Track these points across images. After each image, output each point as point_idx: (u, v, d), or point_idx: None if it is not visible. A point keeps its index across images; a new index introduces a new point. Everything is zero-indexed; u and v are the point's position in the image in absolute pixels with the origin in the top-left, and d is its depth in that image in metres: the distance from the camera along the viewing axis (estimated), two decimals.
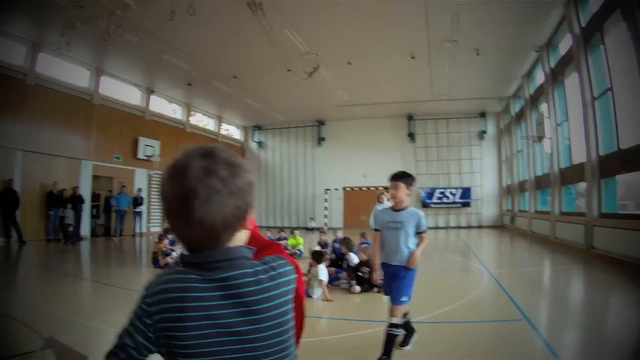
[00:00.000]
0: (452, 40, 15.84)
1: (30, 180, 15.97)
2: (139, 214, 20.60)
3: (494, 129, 27.59)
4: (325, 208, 28.44)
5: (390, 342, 4.21)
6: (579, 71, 12.90)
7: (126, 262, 13.02)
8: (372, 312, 6.75)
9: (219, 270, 1.16)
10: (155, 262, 11.07)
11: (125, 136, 20.41)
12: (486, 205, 27.10)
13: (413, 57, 17.37)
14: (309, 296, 7.38)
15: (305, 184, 29.85)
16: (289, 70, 18.29)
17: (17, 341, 4.85)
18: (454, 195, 27.17)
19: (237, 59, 17.79)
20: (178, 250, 11.75)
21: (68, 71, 17.65)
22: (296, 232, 13.96)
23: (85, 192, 18.12)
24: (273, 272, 1.24)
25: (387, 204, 10.16)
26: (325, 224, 27.61)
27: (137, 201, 20.36)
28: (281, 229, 14.65)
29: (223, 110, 27.73)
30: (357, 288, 7.78)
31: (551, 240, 15.85)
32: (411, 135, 28.18)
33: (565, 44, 15.05)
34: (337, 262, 9.39)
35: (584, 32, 12.61)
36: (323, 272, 7.53)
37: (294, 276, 1.30)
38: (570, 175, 15.03)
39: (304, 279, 7.81)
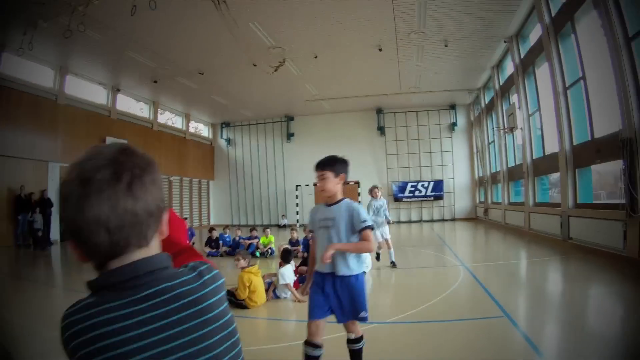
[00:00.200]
0: (420, 32, 15.60)
1: None
2: None
3: (465, 121, 27.51)
4: (297, 205, 27.98)
5: (358, 357, 3.70)
6: (549, 61, 12.75)
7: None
8: None
9: (144, 286, 1.01)
10: None
11: (92, 136, 19.50)
12: (459, 198, 27.02)
13: (380, 49, 17.05)
14: (278, 297, 7.14)
15: (276, 181, 29.37)
16: (255, 65, 17.85)
17: None
18: (425, 188, 27.03)
19: (202, 54, 17.25)
20: None
21: (32, 71, 16.96)
22: (268, 230, 13.64)
23: (54, 195, 17.38)
24: (207, 277, 1.11)
25: (383, 200, 10.65)
26: (297, 221, 27.26)
27: None
28: (252, 227, 14.17)
29: (190, 107, 27.10)
30: None
31: (526, 232, 15.77)
32: (381, 129, 27.97)
33: (535, 34, 14.91)
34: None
35: (554, 21, 12.45)
36: (289, 273, 7.23)
37: (223, 279, 1.16)
38: (544, 165, 14.92)
39: (273, 279, 7.45)
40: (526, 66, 15.63)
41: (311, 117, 28.78)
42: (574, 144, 12.02)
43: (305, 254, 10.06)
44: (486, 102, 23.14)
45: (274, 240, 13.40)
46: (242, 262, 6.94)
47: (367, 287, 7.82)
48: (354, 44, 16.62)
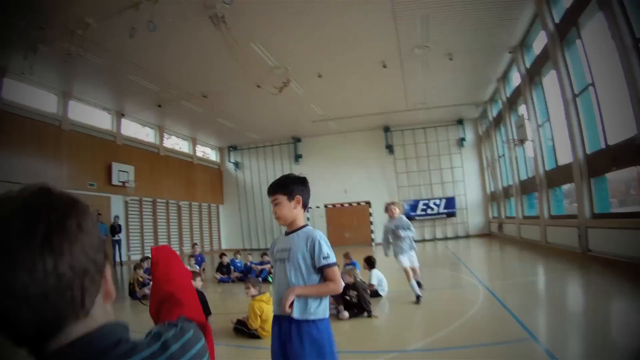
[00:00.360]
0: (424, 46, 15.43)
1: None
2: (118, 242, 19.69)
3: (473, 136, 27.21)
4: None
5: None
6: (556, 69, 12.47)
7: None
8: (365, 340, 6.13)
9: None
10: (132, 293, 10.36)
11: (98, 162, 19.57)
12: (472, 214, 26.57)
13: (385, 66, 16.90)
14: None
15: None
16: (258, 86, 17.75)
17: None
18: (438, 206, 26.61)
19: (205, 77, 17.14)
20: None
21: (35, 96, 16.88)
22: None
23: None
24: (174, 349, 0.86)
25: (402, 218, 8.79)
26: None
27: (114, 229, 19.50)
28: (264, 252, 13.82)
29: (196, 131, 26.99)
30: (346, 314, 7.06)
31: (543, 246, 15.34)
32: (389, 147, 27.67)
33: (539, 42, 14.68)
34: None
35: (559, 28, 12.20)
36: None
37: (200, 344, 0.93)
38: (557, 176, 14.55)
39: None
40: (533, 76, 15.36)
41: (318, 137, 28.60)
42: (587, 152, 11.65)
43: None
44: (494, 115, 22.84)
45: None
46: (253, 291, 6.58)
47: (384, 312, 7.57)
48: (357, 61, 16.47)
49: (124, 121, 21.78)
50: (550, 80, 14.03)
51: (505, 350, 4.96)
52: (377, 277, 8.91)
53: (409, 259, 8.33)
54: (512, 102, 18.75)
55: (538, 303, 7.74)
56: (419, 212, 26.73)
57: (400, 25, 13.84)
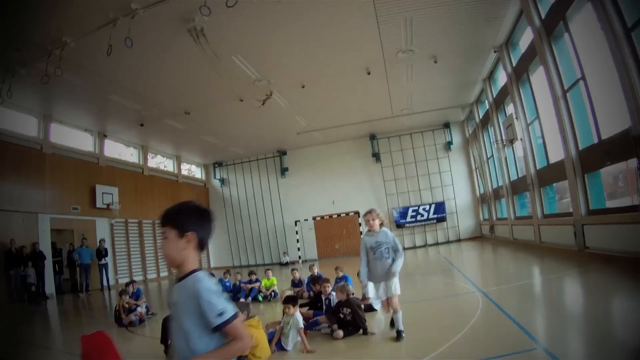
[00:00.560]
0: (408, 50, 15.25)
1: None
2: (105, 266, 19.19)
3: (460, 139, 27.05)
4: (297, 241, 27.32)
5: None
6: (544, 65, 12.30)
7: (90, 321, 11.73)
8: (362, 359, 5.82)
9: None
10: (118, 320, 9.87)
11: (81, 185, 19.16)
12: (462, 218, 26.35)
13: (369, 73, 16.68)
14: (283, 348, 6.33)
15: (274, 218, 28.65)
16: (241, 100, 17.46)
17: None
18: (427, 211, 26.33)
19: (186, 93, 16.81)
20: (143, 305, 10.68)
21: (15, 120, 16.49)
22: (269, 272, 12.79)
23: (46, 247, 16.80)
24: None
25: (386, 231, 6.44)
26: (299, 257, 26.60)
27: (100, 253, 19.01)
28: (251, 271, 13.27)
29: (180, 149, 26.62)
30: (340, 333, 6.70)
31: (537, 246, 15.15)
32: (376, 155, 27.44)
33: (525, 40, 14.52)
34: (316, 302, 8.29)
35: (545, 23, 12.04)
36: (299, 319, 6.47)
37: None
38: (549, 174, 14.37)
39: (277, 327, 6.75)
40: (519, 74, 15.18)
41: (304, 149, 28.36)
42: (580, 148, 11.47)
43: (311, 294, 9.26)
44: (481, 117, 22.70)
45: (277, 282, 12.65)
46: (240, 315, 6.21)
47: (381, 327, 7.16)
48: (341, 69, 16.24)
49: (107, 142, 21.39)
50: (538, 77, 13.88)
51: None
52: (373, 291, 8.49)
53: (383, 289, 6.39)
54: (499, 102, 18.58)
55: (540, 307, 7.43)
56: (408, 219, 26.47)
57: (383, 30, 13.61)
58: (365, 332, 6.69)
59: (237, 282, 12.95)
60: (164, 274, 23.44)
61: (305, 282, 11.49)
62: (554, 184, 14.75)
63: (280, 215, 28.56)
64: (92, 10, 10.63)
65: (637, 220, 8.72)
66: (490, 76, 19.19)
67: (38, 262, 15.95)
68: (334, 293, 7.77)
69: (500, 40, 15.67)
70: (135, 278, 20.76)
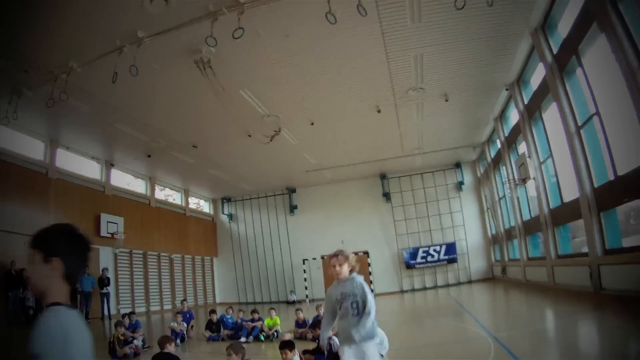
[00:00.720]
0: (418, 88, 15.15)
1: None
2: (106, 295, 18.79)
3: (472, 179, 26.76)
4: (305, 279, 26.77)
5: None
6: (557, 101, 12.07)
7: None
8: None
9: None
10: (112, 352, 9.49)
11: (85, 212, 18.92)
12: (473, 259, 25.77)
13: (379, 111, 16.58)
14: None
15: (282, 256, 28.24)
16: (249, 135, 17.26)
17: None
18: (438, 252, 25.81)
19: (194, 125, 16.76)
20: (140, 338, 10.31)
21: (21, 143, 16.39)
22: (272, 311, 12.35)
23: None
24: None
25: (356, 278, 4.76)
26: (307, 297, 26.04)
27: (102, 282, 18.64)
28: (254, 309, 12.79)
29: (189, 182, 26.51)
30: None
31: (551, 287, 14.58)
32: (386, 195, 27.16)
33: (537, 77, 14.39)
34: (319, 347, 7.89)
35: (558, 58, 11.85)
36: None
37: None
38: (563, 214, 13.94)
39: None
40: (532, 112, 14.94)
41: (313, 187, 28.22)
42: (595, 186, 11.09)
43: (317, 331, 8.77)
44: (492, 156, 22.42)
45: (280, 322, 12.21)
46: (235, 358, 5.76)
47: None
48: (350, 106, 16.19)
49: (114, 171, 21.31)
50: (550, 114, 13.63)
51: None
52: (379, 335, 8.00)
53: (356, 355, 4.60)
54: (511, 141, 18.29)
55: (556, 355, 6.94)
56: (418, 259, 25.96)
57: (393, 67, 13.52)
58: None
59: (239, 320, 12.55)
60: (167, 306, 23.00)
61: (309, 323, 11.09)
62: (570, 225, 14.31)
63: (288, 253, 28.17)
64: (99, 36, 10.63)
65: None
66: (502, 115, 18.96)
67: None
68: (334, 337, 7.33)
69: (512, 77, 15.50)
70: (138, 309, 20.41)
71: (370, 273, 25.79)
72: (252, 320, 12.26)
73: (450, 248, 25.72)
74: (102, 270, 18.93)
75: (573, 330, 8.59)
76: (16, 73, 11.75)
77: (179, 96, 14.15)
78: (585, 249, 12.52)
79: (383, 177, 27.19)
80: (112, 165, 21.04)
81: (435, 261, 25.77)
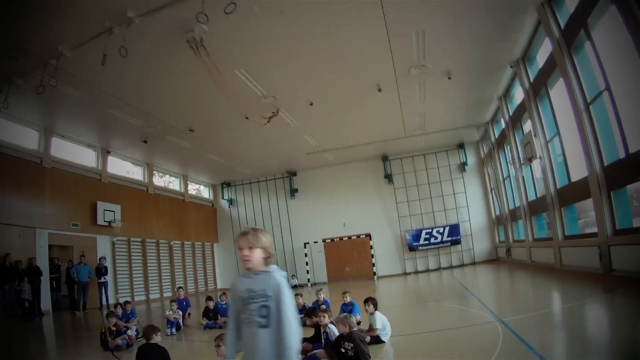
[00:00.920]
0: (420, 66, 14.69)
1: None
2: (104, 284, 18.50)
3: (475, 159, 26.37)
4: (307, 263, 26.52)
5: None
6: (565, 77, 11.57)
7: (76, 343, 10.93)
8: None
9: None
10: (104, 344, 9.13)
11: (82, 201, 18.62)
12: (477, 240, 25.49)
13: (380, 90, 16.12)
14: None
15: (283, 240, 27.85)
16: (247, 118, 16.79)
17: None
18: (441, 234, 25.50)
19: (189, 109, 16.32)
20: (134, 328, 9.97)
21: (15, 132, 16.03)
22: None
23: (43, 263, 16.23)
24: None
25: (272, 272, 3.32)
26: (308, 281, 25.87)
27: (100, 271, 18.34)
28: None
29: (187, 168, 26.09)
30: None
31: (558, 269, 14.26)
32: (388, 177, 26.79)
33: (542, 54, 13.92)
34: (318, 335, 7.46)
35: (565, 32, 11.35)
36: None
37: None
38: (570, 193, 13.53)
39: None
40: (537, 89, 14.46)
41: (314, 170, 27.87)
42: (605, 164, 10.66)
43: (314, 319, 8.25)
44: (496, 136, 22.01)
45: None
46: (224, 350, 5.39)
47: None
48: (350, 85, 15.72)
49: (110, 159, 20.92)
50: (557, 91, 13.15)
51: None
52: (382, 321, 7.62)
53: None
54: (515, 120, 17.85)
55: (570, 340, 6.50)
56: (422, 242, 25.70)
57: (394, 43, 13.03)
58: None
59: None
60: (167, 294, 22.71)
61: (309, 307, 10.75)
62: (577, 205, 13.92)
63: (289, 237, 27.84)
64: (88, 19, 10.22)
65: None
66: (506, 93, 18.48)
67: (34, 278, 15.40)
68: (331, 326, 6.96)
69: (517, 54, 15.04)
70: (137, 298, 20.17)
71: (372, 256, 25.55)
72: None
73: (454, 229, 25.40)
74: (100, 259, 18.65)
75: (585, 312, 8.21)
76: (5, 61, 11.37)
77: (172, 79, 13.71)
78: (589, 230, 12.22)
79: (385, 158, 26.78)
80: (109, 152, 20.65)
81: (438, 243, 25.51)
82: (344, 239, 26.77)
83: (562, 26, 11.49)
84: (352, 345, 5.93)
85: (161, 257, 23.39)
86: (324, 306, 9.63)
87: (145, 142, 19.20)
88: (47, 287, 16.46)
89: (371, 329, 7.51)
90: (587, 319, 7.80)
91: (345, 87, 15.74)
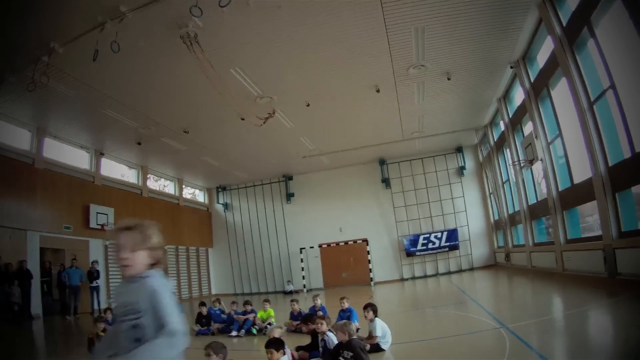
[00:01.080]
0: (419, 65, 14.42)
1: None
2: (96, 288, 18.08)
3: (473, 163, 26.09)
4: (302, 269, 26.15)
5: None
6: (568, 76, 11.31)
7: (63, 348, 10.54)
8: None
9: None
10: (91, 349, 8.72)
11: (74, 203, 18.25)
12: (475, 245, 25.15)
13: (378, 91, 15.83)
14: None
15: (279, 245, 27.58)
16: (242, 119, 16.44)
17: None
18: (439, 239, 25.16)
19: (184, 109, 16.03)
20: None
21: (5, 131, 15.65)
22: (267, 304, 11.51)
23: (34, 266, 15.82)
24: None
25: (151, 280, 2.48)
26: (304, 286, 25.53)
27: (92, 275, 17.93)
28: (246, 301, 11.84)
29: (182, 171, 25.74)
30: None
31: (559, 274, 13.94)
32: (386, 181, 26.43)
33: (543, 54, 13.71)
34: (314, 342, 7.08)
35: (567, 30, 11.09)
36: None
37: None
38: (572, 196, 13.24)
39: None
40: (539, 89, 14.20)
41: (310, 174, 27.54)
42: (610, 165, 10.39)
43: (311, 326, 7.88)
44: (495, 139, 21.77)
45: (274, 314, 11.40)
46: (215, 359, 5.04)
47: None
48: (348, 86, 15.47)
49: (104, 161, 20.55)
50: (559, 91, 12.90)
51: None
52: (382, 328, 7.25)
53: None
54: (515, 122, 17.59)
55: (581, 348, 6.02)
56: (419, 247, 25.32)
57: (393, 41, 12.77)
58: None
59: (232, 312, 11.78)
60: None
61: (308, 312, 10.40)
62: (583, 210, 13.65)
63: (285, 242, 27.51)
64: (80, 13, 9.97)
65: None
66: (506, 95, 18.24)
67: (24, 281, 15.06)
68: (329, 333, 6.61)
69: (517, 54, 14.80)
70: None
71: (369, 261, 25.22)
72: (244, 313, 11.47)
73: (452, 235, 25.08)
74: (92, 263, 18.25)
75: (592, 317, 7.91)
76: None
77: (167, 78, 13.44)
78: (590, 234, 12.01)
79: (382, 162, 26.48)
80: (102, 154, 20.25)
81: (436, 248, 25.14)
82: (340, 244, 26.41)
83: (564, 24, 11.23)
84: (351, 354, 5.56)
85: None
86: (320, 312, 9.26)
87: (139, 143, 18.79)
88: (38, 291, 16.06)
89: (371, 336, 7.16)
90: (595, 323, 7.50)
91: (343, 87, 15.46)
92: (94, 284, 17.92)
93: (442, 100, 17.88)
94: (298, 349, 7.14)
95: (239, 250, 28.34)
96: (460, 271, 24.71)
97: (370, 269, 25.27)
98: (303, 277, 25.93)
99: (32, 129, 16.60)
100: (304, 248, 26.42)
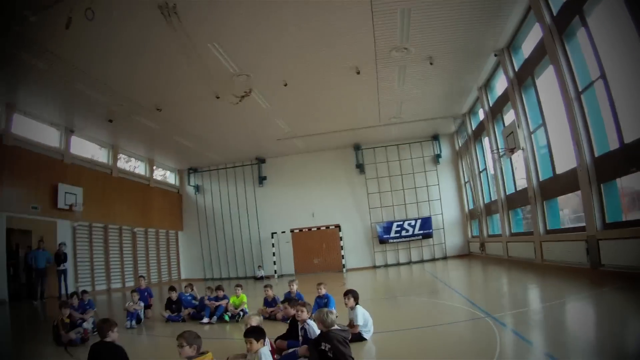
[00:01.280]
0: (402, 48, 14.06)
1: None
2: (64, 272, 17.41)
3: (450, 152, 26.02)
4: (274, 254, 25.75)
5: None
6: (555, 65, 11.16)
7: (30, 336, 9.77)
8: None
9: None
10: (57, 338, 8.16)
11: (42, 182, 17.48)
12: (449, 234, 25.16)
13: (358, 72, 15.48)
14: None
15: (250, 229, 27.14)
16: (218, 97, 15.91)
17: None
18: (413, 227, 25.07)
19: (157, 85, 15.38)
20: (90, 321, 9.01)
21: None
22: (239, 289, 10.94)
23: (0, 247, 15.14)
24: None
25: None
26: (275, 272, 25.11)
27: (59, 257, 17.26)
28: (218, 286, 11.38)
29: (153, 151, 25.00)
30: None
31: (539, 264, 13.89)
32: (360, 167, 26.20)
33: (528, 44, 13.68)
34: (293, 329, 6.64)
35: (557, 19, 10.93)
36: (266, 356, 4.82)
37: None
38: (554, 186, 13.16)
39: None
40: (523, 78, 14.06)
41: (284, 158, 27.17)
42: (596, 155, 10.23)
43: (289, 310, 7.43)
44: (473, 128, 21.66)
45: (247, 300, 10.85)
46: (188, 350, 4.55)
47: None
48: (328, 65, 15.06)
49: (74, 139, 19.72)
50: (545, 80, 12.73)
51: None
52: (363, 316, 6.85)
53: None
54: (496, 111, 17.47)
55: (573, 340, 5.77)
56: (392, 234, 25.24)
57: (378, 21, 12.42)
58: None
59: (206, 298, 11.25)
60: (129, 283, 21.68)
61: (279, 300, 10.00)
62: (561, 199, 13.57)
63: (256, 226, 27.10)
64: None
65: None
66: (487, 84, 18.09)
67: None
68: (310, 321, 6.18)
69: (502, 43, 14.71)
70: (98, 287, 19.19)
71: (342, 247, 24.98)
72: (217, 299, 10.98)
73: (426, 223, 25.03)
74: (59, 245, 17.59)
75: (582, 307, 7.86)
76: None
77: (141, 51, 12.83)
78: (568, 225, 12.03)
79: (357, 147, 26.22)
80: (72, 131, 19.39)
81: (409, 236, 25.08)
82: (312, 229, 26.09)
83: (555, 13, 11.06)
84: (329, 346, 5.11)
85: (124, 245, 22.40)
86: (297, 300, 8.85)
87: (110, 121, 18.06)
88: (4, 274, 15.33)
89: (352, 325, 6.76)
90: (586, 314, 7.44)
91: (323, 67, 15.09)
92: (62, 267, 17.30)
93: (422, 86, 17.66)
94: (277, 338, 6.69)
95: (209, 234, 27.79)
96: (433, 260, 24.70)
97: (343, 256, 25.02)
98: (274, 263, 25.55)
99: (2, 105, 15.80)
100: (275, 233, 26.04)
